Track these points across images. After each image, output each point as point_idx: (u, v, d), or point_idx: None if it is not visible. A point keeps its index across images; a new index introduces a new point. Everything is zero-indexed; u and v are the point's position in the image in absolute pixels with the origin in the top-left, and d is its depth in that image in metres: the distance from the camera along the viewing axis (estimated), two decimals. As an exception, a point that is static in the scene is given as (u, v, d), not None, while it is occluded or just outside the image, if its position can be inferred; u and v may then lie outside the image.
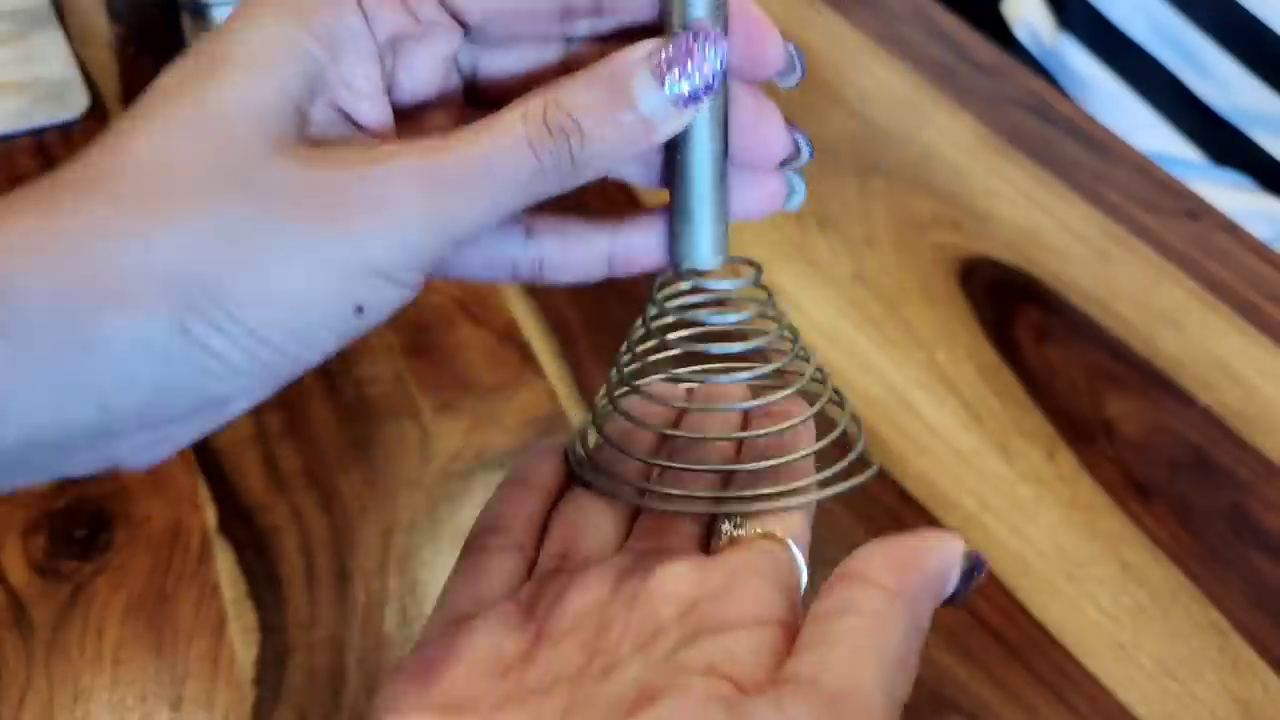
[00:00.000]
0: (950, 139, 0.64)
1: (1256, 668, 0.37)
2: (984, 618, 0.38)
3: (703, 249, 0.24)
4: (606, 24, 0.21)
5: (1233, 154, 0.69)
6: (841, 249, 0.52)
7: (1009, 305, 0.50)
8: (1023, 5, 0.81)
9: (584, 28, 0.21)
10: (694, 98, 0.20)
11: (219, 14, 0.56)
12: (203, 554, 0.38)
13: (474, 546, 0.26)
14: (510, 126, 0.19)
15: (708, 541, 0.25)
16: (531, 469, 0.28)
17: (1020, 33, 0.81)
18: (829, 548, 0.40)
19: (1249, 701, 0.36)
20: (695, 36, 0.19)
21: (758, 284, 0.26)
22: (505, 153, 0.19)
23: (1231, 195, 0.67)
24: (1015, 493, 0.42)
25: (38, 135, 0.56)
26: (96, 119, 0.57)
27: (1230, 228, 0.58)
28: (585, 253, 0.24)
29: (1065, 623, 0.38)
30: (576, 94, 0.19)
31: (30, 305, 0.17)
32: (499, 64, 0.22)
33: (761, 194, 0.23)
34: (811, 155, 0.23)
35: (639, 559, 0.24)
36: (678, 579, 0.22)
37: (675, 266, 0.25)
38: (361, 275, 0.18)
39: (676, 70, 0.19)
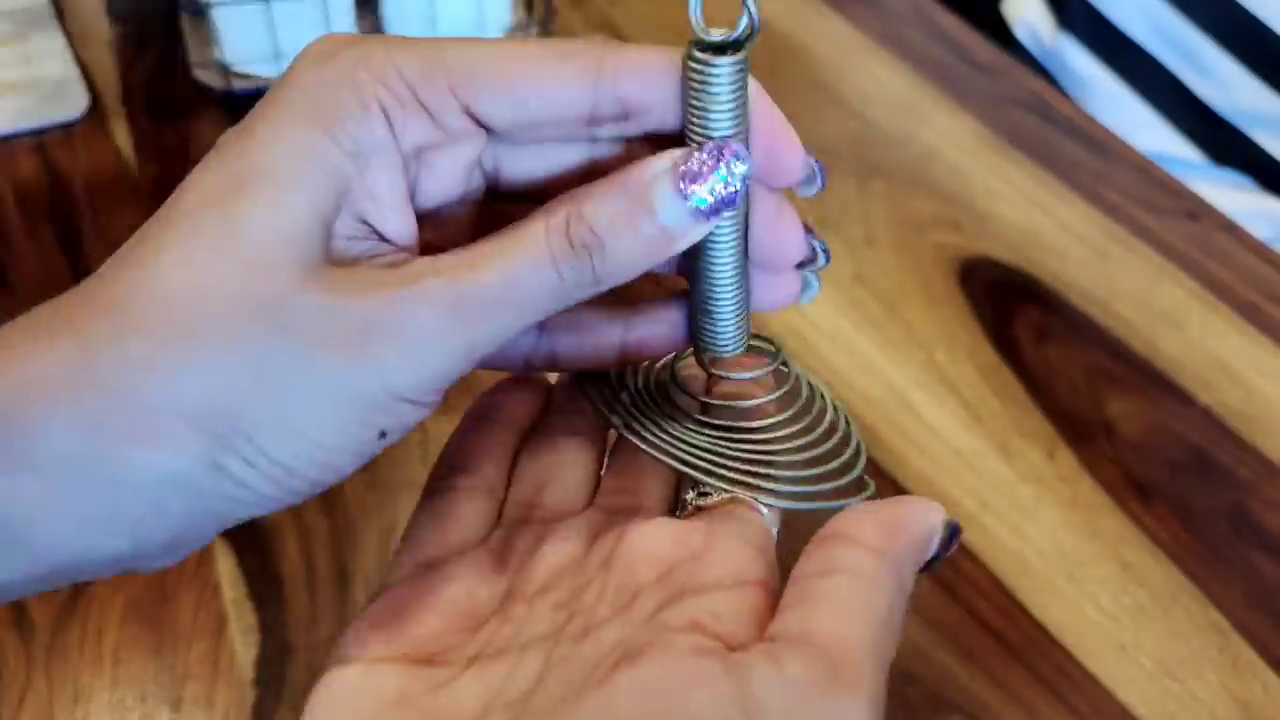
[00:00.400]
0: (950, 139, 0.64)
1: (1256, 668, 0.37)
2: (984, 618, 0.38)
3: (723, 340, 0.24)
4: (632, 128, 0.21)
5: (1233, 154, 0.69)
6: (841, 249, 0.52)
7: (1009, 305, 0.50)
8: (1023, 5, 0.81)
9: (609, 130, 0.21)
10: (715, 211, 0.19)
11: (218, 15, 0.56)
12: (203, 554, 0.38)
13: (442, 486, 0.25)
14: (535, 243, 0.19)
15: (673, 508, 0.25)
16: (501, 403, 0.27)
17: (1020, 33, 0.81)
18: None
19: (1249, 701, 0.36)
20: (719, 150, 0.19)
21: (777, 364, 0.27)
22: (530, 271, 0.19)
23: (1231, 195, 0.67)
24: (1015, 493, 0.42)
25: (37, 135, 0.56)
26: (96, 119, 0.57)
27: (1230, 228, 0.58)
28: (598, 343, 0.24)
29: (1065, 623, 0.38)
30: (599, 206, 0.19)
31: (60, 440, 0.17)
32: (523, 165, 0.22)
33: (777, 293, 0.24)
34: (828, 261, 0.23)
35: (611, 517, 0.23)
36: (655, 539, 0.22)
37: (696, 353, 0.25)
38: (386, 402, 0.18)
39: (699, 184, 0.19)
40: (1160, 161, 0.62)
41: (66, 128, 0.57)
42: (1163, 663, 0.37)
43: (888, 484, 0.42)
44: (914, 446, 0.43)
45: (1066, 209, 0.58)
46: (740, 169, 0.19)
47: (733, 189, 0.19)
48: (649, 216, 0.19)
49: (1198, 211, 0.59)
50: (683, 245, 0.20)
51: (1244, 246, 0.56)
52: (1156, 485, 0.43)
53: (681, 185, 0.19)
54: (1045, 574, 0.40)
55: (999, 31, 0.81)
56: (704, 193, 0.19)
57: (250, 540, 0.38)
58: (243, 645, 0.35)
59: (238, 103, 0.60)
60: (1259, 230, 0.58)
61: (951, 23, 0.75)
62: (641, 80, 0.20)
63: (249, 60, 0.59)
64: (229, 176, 0.18)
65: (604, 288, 0.20)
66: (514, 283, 0.19)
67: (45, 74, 0.60)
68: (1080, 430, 0.45)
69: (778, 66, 0.68)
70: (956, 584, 0.39)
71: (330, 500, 0.40)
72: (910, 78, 0.69)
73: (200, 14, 0.59)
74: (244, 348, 0.17)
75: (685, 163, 0.19)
